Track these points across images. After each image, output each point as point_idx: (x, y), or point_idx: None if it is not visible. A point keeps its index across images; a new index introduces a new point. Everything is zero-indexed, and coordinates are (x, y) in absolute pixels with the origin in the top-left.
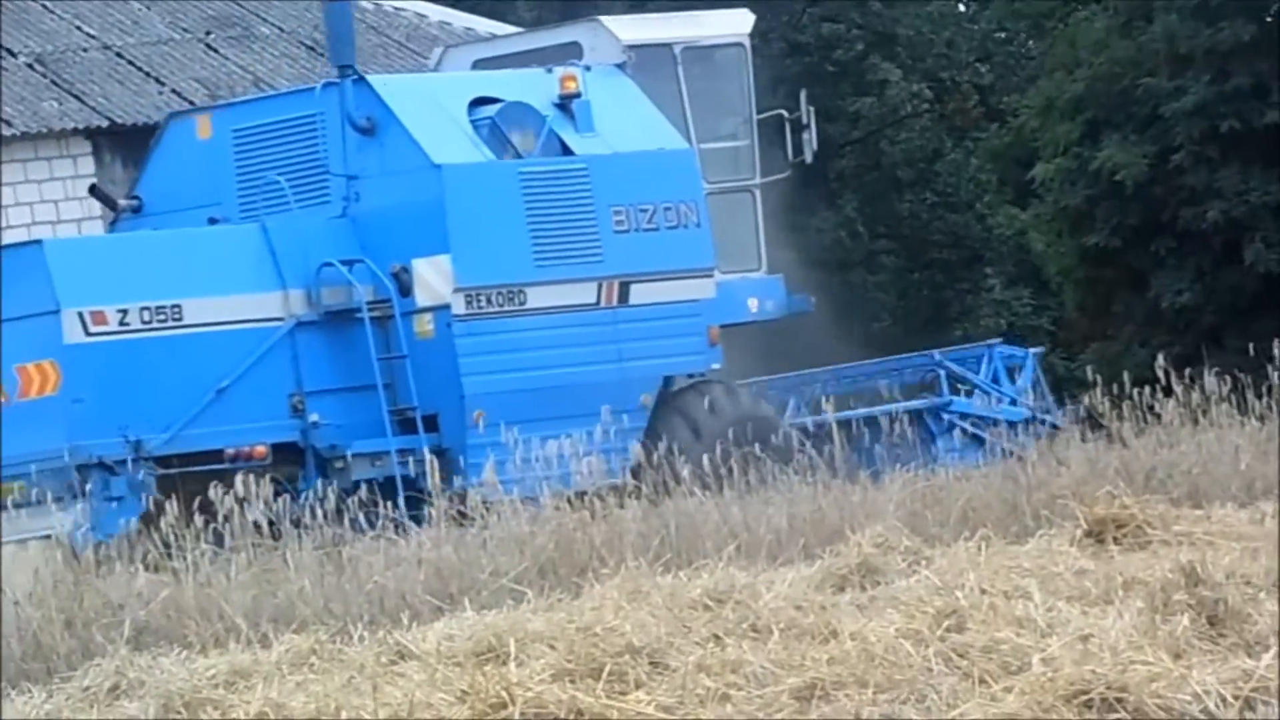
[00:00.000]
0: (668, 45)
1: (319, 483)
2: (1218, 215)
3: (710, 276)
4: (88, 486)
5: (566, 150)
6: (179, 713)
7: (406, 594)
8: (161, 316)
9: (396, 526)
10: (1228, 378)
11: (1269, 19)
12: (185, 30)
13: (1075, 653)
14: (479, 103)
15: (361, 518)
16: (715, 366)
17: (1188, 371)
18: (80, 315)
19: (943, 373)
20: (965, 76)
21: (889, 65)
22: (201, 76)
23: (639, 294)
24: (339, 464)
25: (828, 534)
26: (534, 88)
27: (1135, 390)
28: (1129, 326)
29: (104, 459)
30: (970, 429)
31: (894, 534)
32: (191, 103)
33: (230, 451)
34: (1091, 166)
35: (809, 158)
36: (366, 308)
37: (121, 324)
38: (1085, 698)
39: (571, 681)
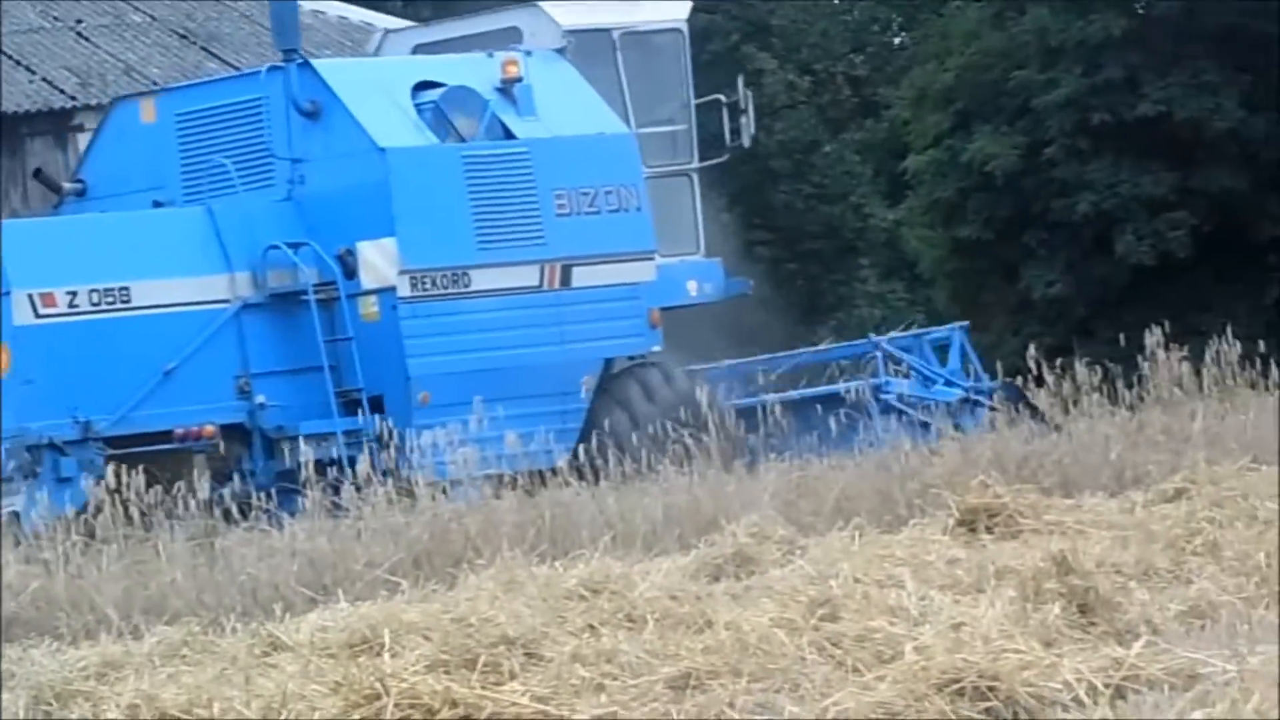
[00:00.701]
0: (606, 30)
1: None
2: (1088, 207)
3: (651, 260)
4: (38, 467)
5: (508, 134)
6: (49, 704)
7: (280, 585)
8: (110, 298)
9: (269, 517)
10: (1098, 368)
11: (1140, 11)
12: (56, 19)
13: (947, 641)
14: (422, 87)
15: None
16: (656, 349)
17: (1059, 362)
18: (30, 297)
19: (880, 355)
20: (840, 67)
21: (765, 55)
22: (73, 65)
23: (581, 277)
24: (285, 445)
25: (703, 524)
26: (476, 72)
27: (1008, 380)
28: (1001, 317)
29: (54, 440)
30: (906, 409)
31: (769, 524)
32: (63, 91)
33: (179, 431)
34: (963, 158)
35: (747, 142)
36: (312, 290)
37: (70, 306)
38: (957, 686)
39: (446, 672)
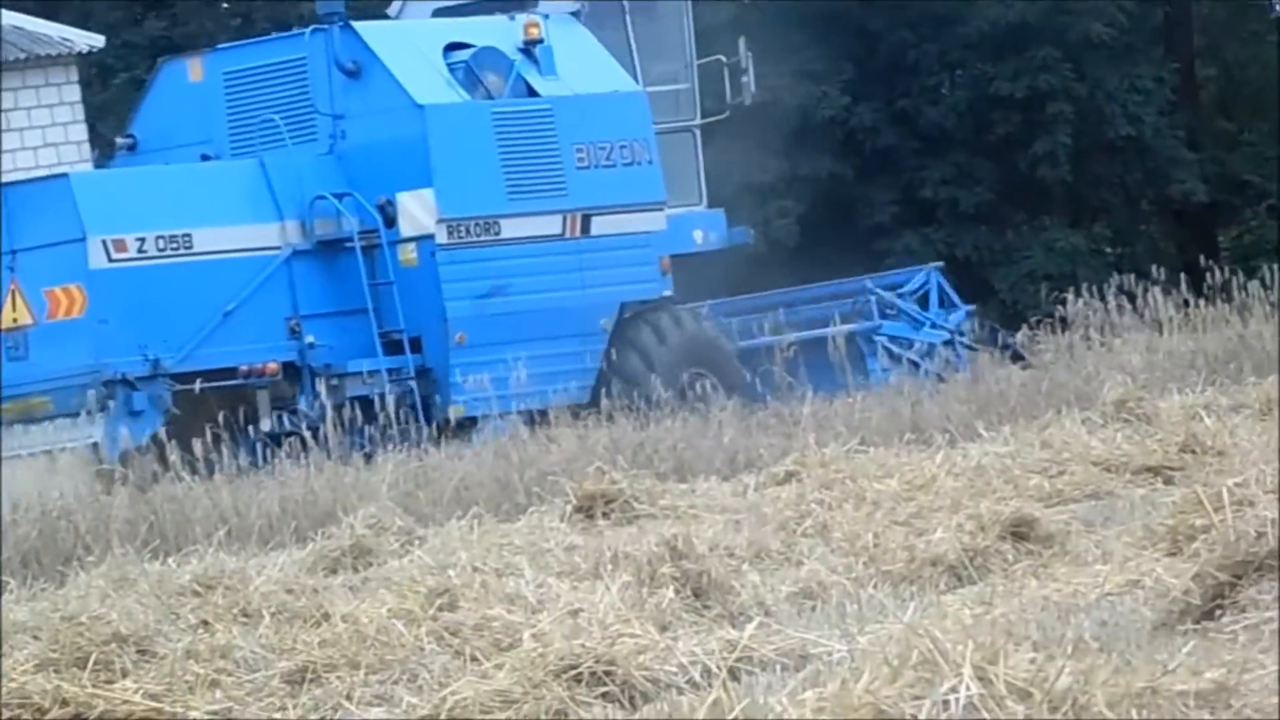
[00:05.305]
0: None
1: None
2: None
3: (661, 210)
4: (111, 401)
5: (532, 92)
6: None
7: None
8: (175, 245)
9: None
10: None
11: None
12: None
13: (565, 627)
14: (451, 48)
15: None
16: (666, 294)
17: None
18: (104, 243)
19: (873, 298)
20: None
21: None
22: None
23: (599, 226)
24: (333, 382)
25: (320, 516)
26: (500, 34)
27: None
28: None
29: (127, 375)
30: (898, 350)
31: (387, 514)
32: None
33: (244, 369)
34: None
35: (748, 100)
36: (357, 237)
37: (140, 251)
38: (575, 672)
39: (56, 672)
